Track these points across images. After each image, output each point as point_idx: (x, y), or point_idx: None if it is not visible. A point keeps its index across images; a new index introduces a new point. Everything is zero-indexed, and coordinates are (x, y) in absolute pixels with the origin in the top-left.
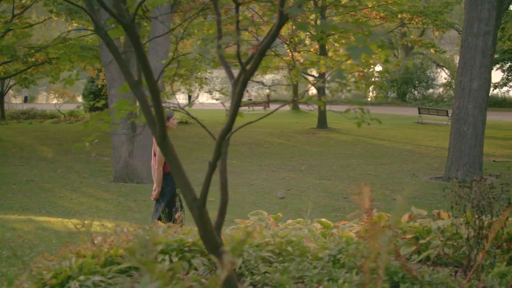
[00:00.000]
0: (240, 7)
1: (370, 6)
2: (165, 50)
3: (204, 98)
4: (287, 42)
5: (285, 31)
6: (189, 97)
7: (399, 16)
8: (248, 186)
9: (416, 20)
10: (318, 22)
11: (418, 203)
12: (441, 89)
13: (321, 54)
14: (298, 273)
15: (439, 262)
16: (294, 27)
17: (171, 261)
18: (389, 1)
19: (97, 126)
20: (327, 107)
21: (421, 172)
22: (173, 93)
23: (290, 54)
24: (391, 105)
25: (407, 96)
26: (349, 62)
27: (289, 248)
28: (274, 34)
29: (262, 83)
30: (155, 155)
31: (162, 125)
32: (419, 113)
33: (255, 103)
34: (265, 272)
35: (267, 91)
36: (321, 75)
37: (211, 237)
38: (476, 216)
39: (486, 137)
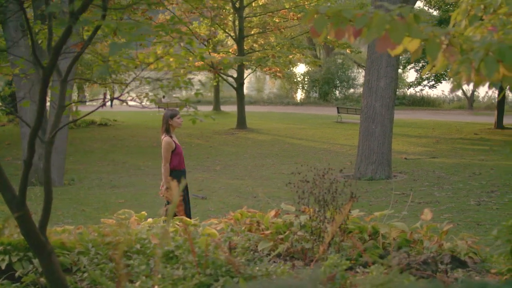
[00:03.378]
0: (157, 8)
1: (287, 7)
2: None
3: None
4: (205, 43)
5: (204, 32)
6: (111, 98)
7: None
8: (159, 187)
9: None
10: (236, 23)
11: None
12: (361, 89)
13: (239, 54)
14: (127, 269)
15: (296, 256)
16: (213, 28)
17: (10, 261)
18: (306, 2)
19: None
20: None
21: (333, 170)
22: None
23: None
24: (314, 105)
25: (329, 96)
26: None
27: (138, 246)
28: (66, 34)
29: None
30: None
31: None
32: (338, 112)
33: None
34: (94, 269)
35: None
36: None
37: (34, 236)
38: (318, 210)
39: (400, 135)
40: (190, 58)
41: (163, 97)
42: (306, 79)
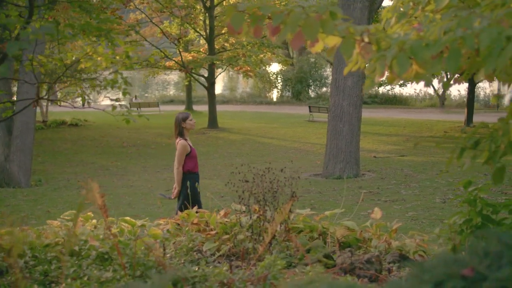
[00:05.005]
0: (129, 8)
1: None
2: (40, 51)
3: (107, 101)
4: (176, 43)
5: (175, 31)
6: (83, 99)
7: None
8: (127, 187)
9: None
10: (207, 22)
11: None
12: None
13: (210, 54)
14: (55, 272)
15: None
16: (184, 27)
17: None
18: (276, 2)
19: None
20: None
21: (302, 169)
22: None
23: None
24: (287, 104)
25: (302, 95)
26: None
27: (76, 248)
28: None
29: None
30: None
31: None
32: (310, 111)
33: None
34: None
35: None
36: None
37: None
38: (258, 209)
39: (371, 134)
40: (117, 57)
41: (135, 97)
42: (279, 78)
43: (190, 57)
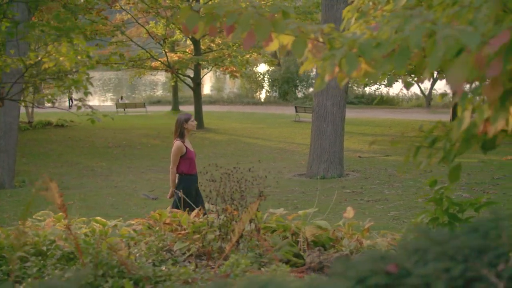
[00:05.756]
0: (114, 8)
1: (243, 6)
2: (23, 51)
3: (95, 101)
4: (161, 43)
5: (161, 31)
6: (69, 99)
7: None
8: (111, 188)
9: None
10: None
11: (277, 199)
12: None
13: (196, 54)
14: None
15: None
16: (169, 27)
17: None
18: (262, 2)
19: None
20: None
21: (287, 169)
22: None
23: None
24: (274, 105)
25: (289, 95)
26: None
27: (44, 248)
28: None
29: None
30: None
31: None
32: (296, 111)
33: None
34: None
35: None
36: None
37: None
38: (229, 208)
39: (356, 134)
40: (79, 57)
41: (121, 98)
42: (266, 79)
43: (176, 58)
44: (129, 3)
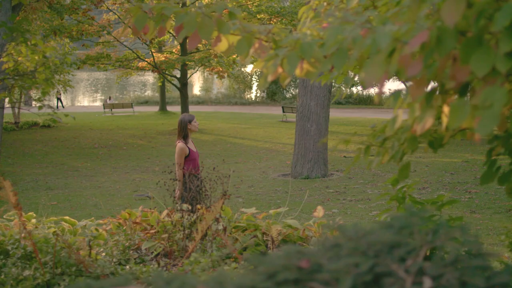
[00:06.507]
0: (100, 8)
1: (230, 6)
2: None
3: (85, 102)
4: (148, 43)
5: None
6: (58, 99)
7: (258, 16)
8: (95, 188)
9: (274, 20)
10: None
11: (260, 200)
12: None
13: (183, 54)
14: None
15: (177, 255)
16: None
17: None
18: (249, 2)
19: None
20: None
21: (271, 169)
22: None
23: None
24: (262, 105)
25: (277, 96)
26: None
27: (8, 247)
28: None
29: None
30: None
31: None
32: (283, 111)
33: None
34: None
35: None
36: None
37: None
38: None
39: (343, 134)
40: (36, 57)
41: (109, 98)
42: (254, 79)
43: (163, 58)
44: (115, 3)
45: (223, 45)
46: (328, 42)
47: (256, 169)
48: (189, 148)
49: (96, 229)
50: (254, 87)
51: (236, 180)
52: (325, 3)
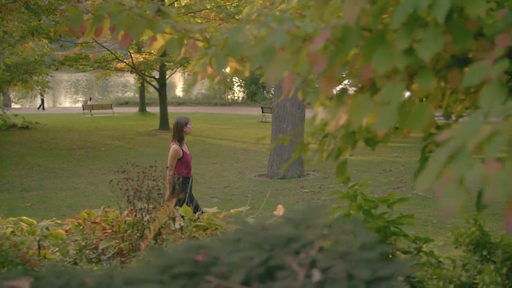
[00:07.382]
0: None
1: (208, 7)
2: None
3: (66, 103)
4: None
5: None
6: (42, 100)
7: (237, 17)
8: (71, 190)
9: None
10: None
11: (235, 200)
12: None
13: (162, 55)
14: None
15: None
16: None
17: None
18: (227, 3)
19: None
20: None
21: (248, 169)
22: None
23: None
24: (242, 105)
25: (257, 96)
26: None
27: None
28: None
29: None
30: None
31: None
32: (262, 112)
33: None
34: None
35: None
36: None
37: None
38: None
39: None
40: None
41: (90, 99)
42: (234, 79)
43: (142, 59)
44: (94, 4)
45: (158, 44)
46: (263, 43)
47: (233, 169)
48: (183, 151)
49: (47, 229)
50: (235, 88)
51: (212, 181)
52: (267, 3)
